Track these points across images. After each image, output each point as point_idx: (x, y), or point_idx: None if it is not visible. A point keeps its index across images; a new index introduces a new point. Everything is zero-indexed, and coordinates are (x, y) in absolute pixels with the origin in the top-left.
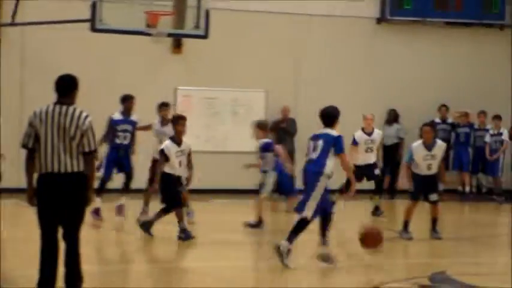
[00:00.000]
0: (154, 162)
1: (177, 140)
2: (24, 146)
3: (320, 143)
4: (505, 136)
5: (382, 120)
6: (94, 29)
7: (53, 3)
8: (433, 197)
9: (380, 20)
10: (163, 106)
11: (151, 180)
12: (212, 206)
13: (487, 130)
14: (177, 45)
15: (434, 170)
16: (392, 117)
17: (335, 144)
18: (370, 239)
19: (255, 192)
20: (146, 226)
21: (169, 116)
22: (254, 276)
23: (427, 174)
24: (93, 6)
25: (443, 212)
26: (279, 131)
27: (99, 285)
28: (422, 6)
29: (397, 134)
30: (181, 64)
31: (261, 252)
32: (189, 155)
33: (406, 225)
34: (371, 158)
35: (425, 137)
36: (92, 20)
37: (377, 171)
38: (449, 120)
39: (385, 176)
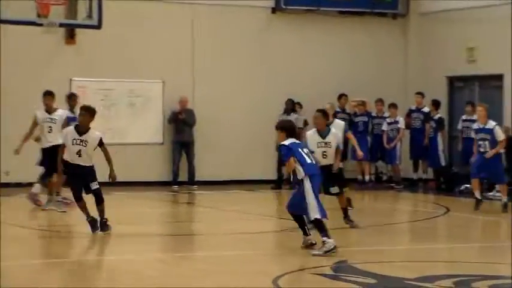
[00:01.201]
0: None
1: (79, 128)
2: None
3: None
4: (401, 124)
5: (280, 110)
6: None
7: None
8: (334, 189)
9: (274, 10)
10: (47, 95)
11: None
12: (110, 198)
13: (385, 118)
14: (71, 36)
15: (329, 159)
16: (290, 107)
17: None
18: None
19: (153, 184)
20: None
21: (54, 105)
22: (160, 268)
23: (323, 164)
24: None
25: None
26: (178, 122)
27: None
28: None
29: (295, 123)
30: (76, 55)
31: (166, 245)
32: (102, 147)
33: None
34: None
35: (316, 123)
36: None
37: None
38: (347, 110)
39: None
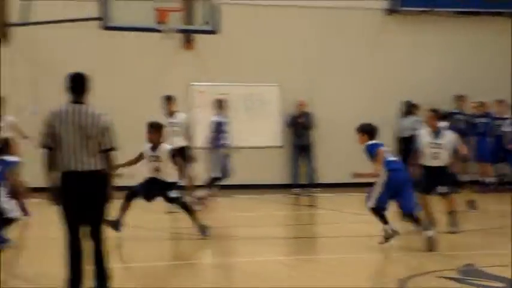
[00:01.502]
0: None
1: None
2: (44, 146)
3: None
4: None
5: (394, 113)
6: (104, 27)
7: (63, 2)
8: (442, 189)
9: (389, 11)
10: (168, 100)
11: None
12: (233, 201)
13: (505, 119)
14: (188, 41)
15: (441, 161)
16: (408, 109)
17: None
18: None
19: (274, 187)
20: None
21: (174, 109)
22: (283, 270)
23: (433, 165)
24: (103, 4)
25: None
26: (297, 126)
27: (129, 283)
28: None
29: (413, 125)
30: (194, 60)
31: (289, 247)
32: (173, 157)
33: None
34: None
35: (428, 123)
36: (102, 18)
37: None
38: (466, 111)
39: None
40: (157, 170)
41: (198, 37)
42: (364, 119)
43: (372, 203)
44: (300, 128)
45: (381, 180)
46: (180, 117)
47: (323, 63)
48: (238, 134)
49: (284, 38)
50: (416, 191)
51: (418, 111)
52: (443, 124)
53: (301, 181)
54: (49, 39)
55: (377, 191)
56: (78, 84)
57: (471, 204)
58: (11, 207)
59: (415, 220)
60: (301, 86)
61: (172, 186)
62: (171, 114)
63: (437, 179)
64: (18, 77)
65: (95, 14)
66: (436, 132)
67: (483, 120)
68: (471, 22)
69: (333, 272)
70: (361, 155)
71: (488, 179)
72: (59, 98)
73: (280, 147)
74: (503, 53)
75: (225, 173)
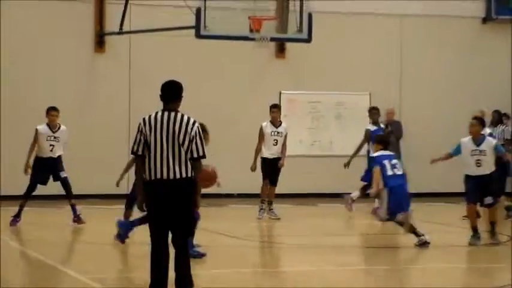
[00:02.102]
0: None
1: None
2: (134, 152)
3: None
4: None
5: (487, 121)
6: (199, 36)
7: (158, 11)
8: (488, 200)
9: (485, 20)
10: (274, 108)
11: None
12: (319, 209)
13: None
14: (281, 50)
15: (485, 169)
16: (497, 119)
17: None
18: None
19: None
20: None
21: (279, 118)
22: (362, 279)
23: (477, 174)
24: (198, 13)
25: None
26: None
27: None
28: None
29: (502, 135)
30: (285, 68)
31: (368, 256)
32: None
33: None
34: None
35: (471, 130)
36: (197, 27)
37: None
38: None
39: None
40: None
41: (290, 45)
42: (454, 129)
43: (383, 216)
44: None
45: (384, 196)
46: (284, 127)
47: (416, 71)
48: (328, 142)
49: (375, 46)
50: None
51: (508, 120)
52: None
53: None
54: (145, 48)
55: (384, 205)
56: (171, 92)
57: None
58: None
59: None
60: (391, 94)
61: None
62: (277, 123)
63: (484, 188)
64: (113, 85)
65: (190, 23)
66: (479, 140)
67: None
68: None
69: (415, 281)
70: (447, 164)
71: None
72: (153, 106)
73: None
74: None
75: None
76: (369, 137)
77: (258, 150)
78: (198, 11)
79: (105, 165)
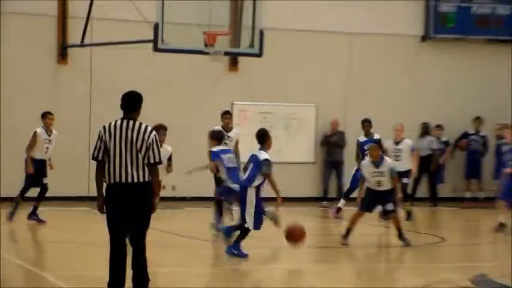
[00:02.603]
0: None
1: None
2: (95, 158)
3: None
4: None
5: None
6: (157, 49)
7: (118, 25)
8: (389, 206)
9: (424, 38)
10: (226, 114)
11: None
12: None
13: None
14: (234, 63)
15: (385, 187)
16: (424, 130)
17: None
18: (292, 235)
19: (306, 200)
20: None
21: (231, 124)
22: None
23: (378, 189)
24: (156, 28)
25: (483, 217)
26: (329, 144)
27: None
28: (464, 25)
29: (429, 145)
30: (238, 81)
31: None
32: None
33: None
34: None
35: (371, 154)
36: (155, 41)
37: (405, 180)
38: (483, 132)
39: (418, 184)
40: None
41: (243, 59)
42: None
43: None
44: (331, 146)
45: None
46: (235, 132)
47: (359, 85)
48: (277, 150)
49: (322, 61)
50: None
51: (438, 131)
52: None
53: (330, 195)
54: (105, 60)
55: None
56: (130, 102)
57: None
58: None
59: None
60: (336, 107)
61: None
62: (228, 128)
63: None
64: (76, 95)
65: (149, 37)
66: (378, 162)
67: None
68: (502, 50)
69: (352, 280)
70: None
71: None
72: (113, 114)
73: (314, 163)
74: None
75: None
76: (359, 147)
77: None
78: (156, 25)
79: (65, 168)
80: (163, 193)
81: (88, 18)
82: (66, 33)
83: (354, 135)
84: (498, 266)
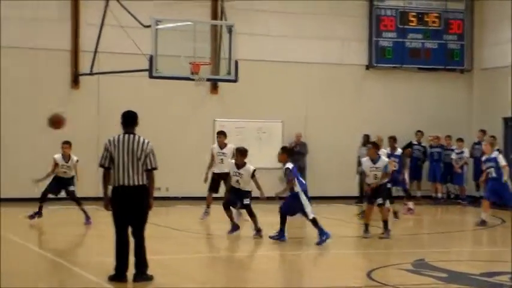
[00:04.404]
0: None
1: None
2: (102, 165)
3: None
4: (466, 154)
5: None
6: (151, 76)
7: (120, 57)
8: (378, 200)
9: (368, 67)
10: (220, 134)
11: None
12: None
13: (453, 150)
14: (215, 87)
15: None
16: (365, 141)
17: None
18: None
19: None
20: None
21: (224, 141)
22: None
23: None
24: (151, 59)
25: (422, 212)
26: (294, 153)
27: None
28: (400, 56)
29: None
30: (218, 102)
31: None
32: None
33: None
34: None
35: (369, 153)
36: (150, 70)
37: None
38: (423, 143)
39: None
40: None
41: (222, 84)
42: (342, 148)
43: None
44: (296, 154)
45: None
46: (229, 148)
47: (316, 105)
48: (250, 158)
49: (286, 86)
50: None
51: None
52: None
53: None
54: (110, 85)
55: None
56: (129, 120)
57: (395, 214)
58: None
59: None
60: (299, 122)
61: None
62: (223, 145)
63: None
64: (86, 114)
65: (145, 67)
66: (375, 159)
67: (437, 150)
68: (430, 76)
69: (308, 266)
70: (342, 173)
71: (439, 195)
72: (116, 130)
73: (280, 168)
74: (456, 99)
75: None
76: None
77: (209, 166)
78: (151, 57)
79: (78, 175)
80: (158, 193)
81: (96, 52)
82: (78, 64)
83: (313, 146)
84: (434, 252)
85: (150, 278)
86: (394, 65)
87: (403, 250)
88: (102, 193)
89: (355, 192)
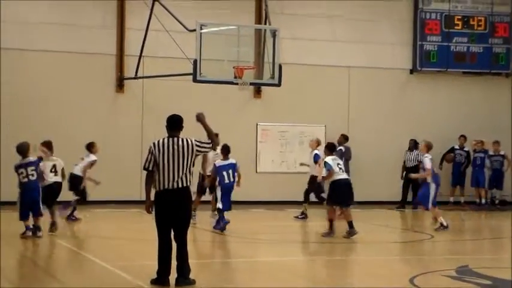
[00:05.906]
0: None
1: None
2: (146, 168)
3: None
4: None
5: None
6: (195, 80)
7: (164, 62)
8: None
9: (412, 71)
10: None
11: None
12: (287, 213)
13: (503, 155)
14: (258, 92)
15: None
16: (412, 145)
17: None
18: None
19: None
20: None
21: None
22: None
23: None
24: (195, 64)
25: (465, 218)
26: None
27: (206, 276)
28: (445, 60)
29: (416, 158)
30: (261, 106)
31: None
32: None
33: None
34: None
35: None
36: (194, 74)
37: None
38: (466, 148)
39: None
40: None
41: (265, 89)
42: (386, 152)
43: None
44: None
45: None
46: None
47: (359, 109)
48: (293, 163)
49: (330, 90)
50: None
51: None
52: None
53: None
54: (154, 89)
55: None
56: (174, 123)
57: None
58: None
59: None
60: (342, 126)
61: None
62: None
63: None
64: (130, 117)
65: (189, 71)
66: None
67: (480, 155)
68: (476, 80)
69: (352, 272)
70: (386, 177)
71: (483, 200)
72: (160, 133)
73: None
74: (500, 103)
75: None
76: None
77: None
78: (195, 61)
79: (121, 177)
80: (203, 198)
81: (140, 56)
82: (123, 68)
83: (357, 150)
84: (478, 259)
85: (192, 283)
86: (438, 69)
87: (447, 256)
88: (145, 196)
89: (398, 197)
